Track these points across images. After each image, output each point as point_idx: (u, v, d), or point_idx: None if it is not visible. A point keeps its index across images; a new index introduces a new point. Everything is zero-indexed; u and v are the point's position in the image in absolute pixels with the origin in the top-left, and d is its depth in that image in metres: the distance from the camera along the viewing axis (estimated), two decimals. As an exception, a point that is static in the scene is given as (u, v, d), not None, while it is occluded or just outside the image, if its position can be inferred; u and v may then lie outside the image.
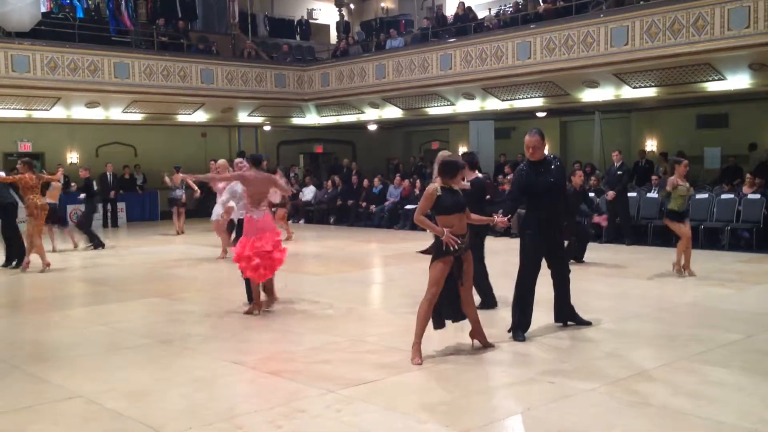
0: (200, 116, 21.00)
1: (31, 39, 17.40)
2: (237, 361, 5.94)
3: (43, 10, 18.54)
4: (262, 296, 7.80)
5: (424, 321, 5.80)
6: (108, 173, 19.26)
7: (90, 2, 20.67)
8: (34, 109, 18.20)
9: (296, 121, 23.02)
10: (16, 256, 11.62)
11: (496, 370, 5.71)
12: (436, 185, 5.79)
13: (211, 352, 6.41)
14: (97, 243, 14.17)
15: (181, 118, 20.78)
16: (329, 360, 5.93)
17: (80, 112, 18.91)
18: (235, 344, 6.67)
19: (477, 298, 6.83)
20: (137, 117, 20.01)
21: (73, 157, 20.73)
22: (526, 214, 6.64)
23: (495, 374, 5.63)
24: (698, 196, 13.84)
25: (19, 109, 17.95)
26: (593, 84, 15.82)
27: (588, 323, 6.86)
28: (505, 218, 6.20)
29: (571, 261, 10.95)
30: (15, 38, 17.16)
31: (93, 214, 15.12)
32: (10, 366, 5.96)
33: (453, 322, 6.02)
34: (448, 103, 19.07)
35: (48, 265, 11.20)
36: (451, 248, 5.65)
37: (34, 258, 11.29)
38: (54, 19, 19.08)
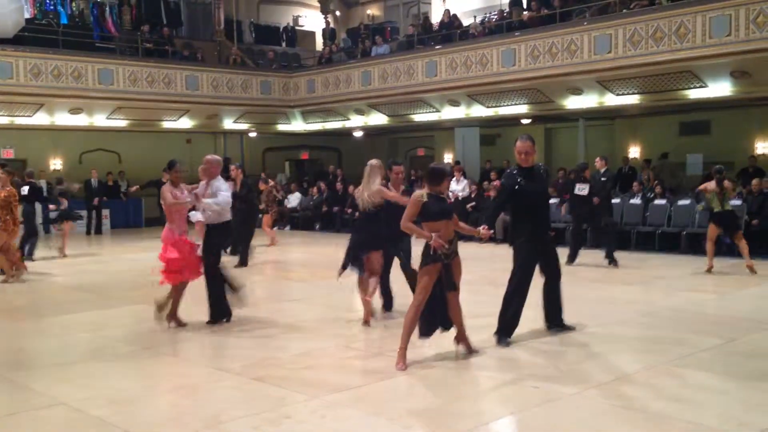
0: (185, 123, 20.93)
1: (15, 45, 17.30)
2: (222, 368, 5.93)
3: (27, 16, 18.45)
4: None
5: (411, 327, 5.82)
6: (93, 179, 19.13)
7: (74, 8, 20.59)
8: (16, 116, 18.04)
9: (282, 127, 22.99)
10: None
11: (481, 374, 5.74)
12: (422, 192, 5.82)
13: (197, 359, 6.41)
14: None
15: (166, 124, 20.70)
16: (315, 366, 5.93)
17: (64, 119, 18.77)
18: (222, 351, 6.67)
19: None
20: (122, 123, 19.91)
21: (56, 163, 20.58)
22: (517, 221, 6.66)
23: (480, 379, 5.65)
24: (680, 203, 14.01)
25: (1, 115, 17.80)
26: (577, 91, 15.94)
27: (572, 328, 6.90)
28: (490, 231, 6.25)
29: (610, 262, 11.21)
30: (-2, 44, 17.05)
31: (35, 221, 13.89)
32: (-7, 374, 5.91)
33: (441, 331, 6.02)
34: (434, 109, 19.14)
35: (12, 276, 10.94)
36: (440, 253, 5.67)
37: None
38: (38, 25, 18.97)
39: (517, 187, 6.49)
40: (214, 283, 7.51)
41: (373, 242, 7.31)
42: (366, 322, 7.33)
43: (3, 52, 17.04)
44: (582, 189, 11.88)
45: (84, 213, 17.78)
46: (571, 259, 11.48)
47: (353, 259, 7.37)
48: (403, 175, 7.91)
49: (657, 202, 14.38)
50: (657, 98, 15.19)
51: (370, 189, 7.26)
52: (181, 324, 7.44)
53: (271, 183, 15.77)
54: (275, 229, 16.24)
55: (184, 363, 6.20)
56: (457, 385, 5.44)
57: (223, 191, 7.53)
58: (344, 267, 7.48)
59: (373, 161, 7.49)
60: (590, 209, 11.86)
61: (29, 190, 13.32)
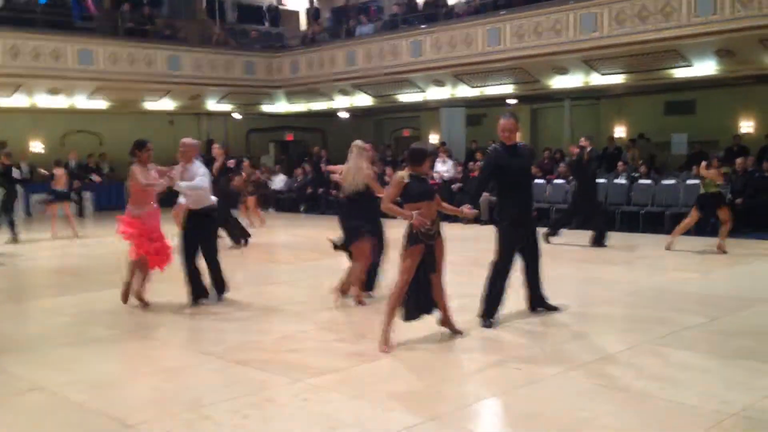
0: (167, 104, 20.69)
1: (-8, 25, 16.99)
2: (205, 351, 5.88)
3: (5, -5, 18.10)
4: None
5: (393, 310, 5.78)
6: (71, 161, 18.85)
7: (53, -13, 20.20)
8: (-6, 97, 17.79)
9: (266, 108, 22.80)
10: None
11: (465, 356, 5.72)
12: (403, 173, 5.76)
13: (179, 342, 6.35)
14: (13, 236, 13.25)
15: (148, 105, 20.46)
16: (298, 349, 5.89)
17: (43, 100, 18.52)
18: (204, 334, 6.61)
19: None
20: (102, 105, 19.66)
21: (36, 145, 20.30)
22: (500, 201, 6.63)
23: (464, 361, 5.64)
24: (664, 182, 14.04)
25: (-22, 96, 17.54)
26: (563, 71, 15.89)
27: (556, 309, 6.90)
28: (474, 210, 6.18)
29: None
30: (-26, 24, 16.74)
31: (12, 204, 13.76)
32: (-29, 359, 5.83)
33: (426, 314, 5.99)
34: (419, 90, 19.03)
35: None
36: (422, 231, 5.62)
37: None
38: (15, 4, 18.62)
39: (500, 163, 6.45)
40: (189, 267, 7.45)
41: (367, 228, 7.22)
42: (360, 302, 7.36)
43: (-20, 33, 16.74)
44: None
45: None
46: (553, 230, 11.63)
47: (348, 242, 7.29)
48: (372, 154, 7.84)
49: (642, 181, 14.40)
50: (642, 77, 15.19)
51: (359, 173, 7.16)
52: (143, 304, 7.44)
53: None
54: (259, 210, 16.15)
55: (166, 347, 6.14)
56: (441, 367, 5.42)
57: (200, 175, 7.41)
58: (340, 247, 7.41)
59: (359, 142, 7.40)
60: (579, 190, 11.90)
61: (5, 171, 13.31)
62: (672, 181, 13.93)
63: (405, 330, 6.03)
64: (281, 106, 22.71)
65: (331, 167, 7.94)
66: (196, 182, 7.34)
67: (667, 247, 10.74)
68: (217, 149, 12.17)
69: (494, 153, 6.63)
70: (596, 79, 15.65)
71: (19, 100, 18.18)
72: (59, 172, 14.56)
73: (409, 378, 5.17)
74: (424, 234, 5.66)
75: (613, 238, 11.86)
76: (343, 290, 7.42)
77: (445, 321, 6.10)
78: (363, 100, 20.62)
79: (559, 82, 16.28)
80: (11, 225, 13.21)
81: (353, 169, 7.22)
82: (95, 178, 18.08)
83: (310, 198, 19.60)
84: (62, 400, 4.78)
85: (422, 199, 5.70)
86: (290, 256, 11.74)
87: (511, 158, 6.45)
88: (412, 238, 5.69)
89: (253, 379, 5.13)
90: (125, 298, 7.59)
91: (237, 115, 23.13)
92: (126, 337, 6.51)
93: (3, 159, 13.61)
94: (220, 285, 7.74)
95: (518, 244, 6.53)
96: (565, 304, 7.10)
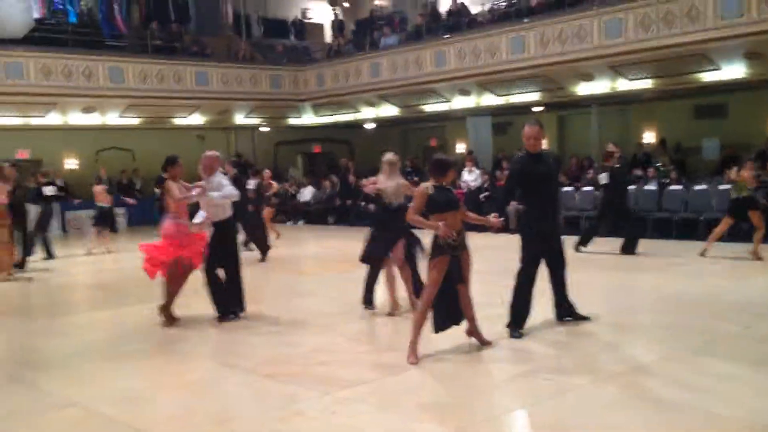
0: (197, 119, 20.98)
1: (25, 45, 17.40)
2: (233, 365, 5.93)
3: (36, 16, 18.52)
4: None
5: (421, 320, 5.78)
6: (102, 178, 19.04)
7: (83, 6, 20.63)
8: (30, 116, 18.20)
9: (293, 121, 22.99)
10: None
11: (493, 367, 5.69)
12: (428, 184, 5.78)
13: (208, 356, 6.41)
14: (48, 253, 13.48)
15: (178, 121, 20.76)
16: (327, 361, 5.90)
17: (77, 118, 18.90)
18: (232, 347, 6.66)
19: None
20: (134, 121, 20.01)
21: (71, 163, 20.70)
22: (525, 208, 6.61)
23: (492, 372, 5.61)
24: (697, 188, 13.84)
25: (15, 116, 17.95)
26: (588, 77, 15.78)
27: (586, 318, 6.82)
28: (500, 219, 6.16)
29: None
30: (8, 45, 17.15)
31: (48, 221, 14.01)
32: (5, 373, 5.95)
33: (455, 324, 5.97)
34: (444, 99, 19.03)
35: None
36: (448, 241, 5.62)
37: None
38: (47, 25, 19.06)
39: (525, 171, 6.43)
40: (213, 280, 7.48)
41: (399, 234, 7.27)
42: (391, 314, 7.38)
43: (14, 53, 17.17)
44: (603, 178, 11.80)
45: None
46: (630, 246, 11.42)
47: (384, 251, 7.33)
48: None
49: (673, 187, 14.21)
50: (670, 82, 15.02)
51: (395, 184, 7.22)
52: (171, 321, 7.40)
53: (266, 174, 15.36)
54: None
55: (195, 360, 6.20)
56: (469, 378, 5.39)
57: (225, 184, 7.48)
58: (373, 258, 7.43)
59: (391, 156, 7.43)
60: (608, 197, 11.77)
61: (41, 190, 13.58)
62: (704, 187, 13.71)
63: (433, 341, 6.02)
64: (308, 118, 22.87)
65: (368, 182, 8.00)
66: (227, 191, 7.40)
67: (701, 254, 10.56)
68: (227, 167, 12.25)
69: (519, 161, 6.62)
70: (623, 85, 15.51)
71: (53, 119, 18.58)
72: (99, 189, 14.76)
73: (438, 389, 5.16)
74: (450, 245, 5.65)
75: (645, 245, 11.71)
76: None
77: (473, 332, 6.08)
78: (389, 110, 20.68)
79: (585, 89, 16.17)
80: (46, 242, 13.46)
81: (393, 183, 7.27)
82: (129, 200, 18.27)
83: (338, 209, 19.68)
84: (93, 415, 4.85)
85: (447, 210, 5.70)
86: (319, 268, 11.79)
87: (536, 166, 6.43)
88: (438, 249, 5.69)
89: (282, 392, 5.16)
90: (170, 320, 7.48)
91: (264, 129, 23.34)
92: (156, 351, 6.59)
93: (39, 178, 13.93)
94: (238, 302, 7.65)
95: (542, 252, 6.49)
96: (596, 313, 7.02)
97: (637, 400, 4.70)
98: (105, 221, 14.67)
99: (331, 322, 7.38)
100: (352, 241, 15.03)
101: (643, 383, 5.04)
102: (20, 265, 11.77)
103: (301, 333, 7.02)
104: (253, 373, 5.66)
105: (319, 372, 5.60)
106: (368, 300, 7.72)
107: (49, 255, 13.40)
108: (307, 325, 7.32)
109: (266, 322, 7.48)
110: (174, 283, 7.44)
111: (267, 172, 14.64)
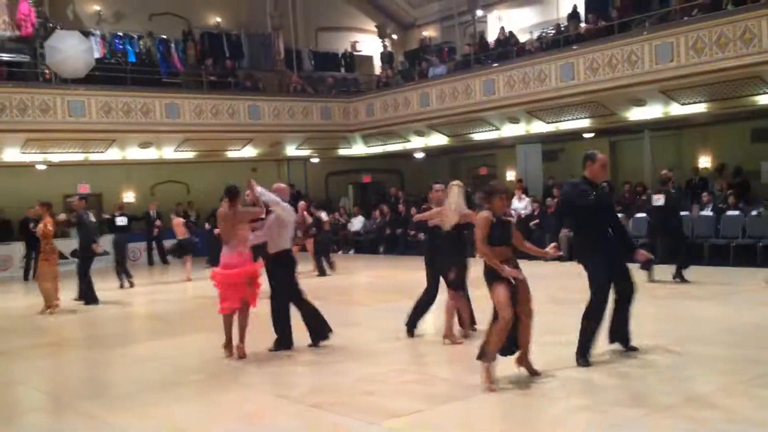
0: (249, 151, 21.42)
1: (86, 84, 18.11)
2: (282, 395, 5.97)
3: (97, 56, 19.29)
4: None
5: (498, 343, 5.73)
6: (151, 212, 19.56)
7: (141, 47, 21.42)
8: (90, 152, 18.88)
9: (343, 152, 23.26)
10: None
11: (545, 398, 5.58)
12: (488, 214, 5.78)
13: (259, 386, 6.46)
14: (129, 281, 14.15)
15: (231, 154, 21.23)
16: (374, 391, 5.90)
17: (134, 153, 19.54)
18: (281, 378, 6.70)
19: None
20: (189, 155, 20.55)
21: (129, 196, 21.31)
22: (586, 237, 6.49)
23: (544, 403, 5.50)
24: (754, 213, 13.43)
25: (76, 152, 18.65)
26: (640, 102, 15.56)
27: (635, 349, 6.63)
28: (559, 251, 6.12)
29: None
30: (71, 84, 17.88)
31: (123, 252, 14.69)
32: (63, 404, 6.11)
33: (515, 351, 5.94)
34: (493, 128, 19.01)
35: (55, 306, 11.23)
36: (511, 279, 5.63)
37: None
38: (107, 64, 19.82)
39: (581, 198, 6.35)
40: (280, 313, 7.58)
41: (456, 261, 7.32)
42: (447, 337, 7.37)
43: (76, 92, 17.87)
44: (658, 200, 11.60)
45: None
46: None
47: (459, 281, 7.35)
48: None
49: (730, 213, 13.83)
50: (725, 105, 14.68)
51: (459, 211, 7.23)
52: (231, 353, 7.42)
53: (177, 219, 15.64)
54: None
55: (246, 391, 6.26)
56: (519, 408, 5.31)
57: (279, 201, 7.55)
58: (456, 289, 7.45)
59: (459, 183, 7.44)
60: (663, 220, 11.55)
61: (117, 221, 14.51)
62: (762, 211, 13.29)
63: (477, 370, 5.94)
64: (358, 148, 23.11)
65: (423, 216, 8.09)
66: (284, 204, 7.49)
67: (766, 281, 10.17)
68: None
69: (575, 188, 6.53)
70: (676, 109, 15.24)
71: (113, 154, 19.24)
72: (177, 221, 15.32)
73: (486, 420, 5.09)
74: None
75: (703, 272, 11.39)
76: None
77: (524, 360, 6.00)
78: (438, 139, 20.75)
79: (636, 114, 15.95)
80: (126, 273, 14.10)
81: (455, 205, 7.27)
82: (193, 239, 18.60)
83: (388, 239, 19.73)
84: (148, 444, 4.94)
85: (500, 244, 5.73)
86: (368, 298, 11.81)
87: (593, 192, 6.37)
88: (491, 274, 5.68)
89: (329, 422, 5.17)
90: (230, 352, 7.49)
91: (315, 160, 23.67)
92: (209, 381, 6.67)
93: (115, 209, 14.77)
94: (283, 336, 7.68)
95: (611, 277, 6.38)
96: (655, 341, 6.84)
97: (694, 434, 4.56)
98: (185, 251, 15.23)
99: (379, 352, 7.37)
100: (402, 270, 15.14)
101: (701, 415, 4.88)
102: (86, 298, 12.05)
103: (349, 363, 7.01)
104: (300, 403, 5.68)
105: (366, 402, 5.59)
106: (413, 325, 7.72)
107: (130, 283, 13.97)
108: (355, 355, 7.31)
109: (314, 352, 7.50)
110: (243, 318, 7.47)
111: (302, 204, 14.46)
